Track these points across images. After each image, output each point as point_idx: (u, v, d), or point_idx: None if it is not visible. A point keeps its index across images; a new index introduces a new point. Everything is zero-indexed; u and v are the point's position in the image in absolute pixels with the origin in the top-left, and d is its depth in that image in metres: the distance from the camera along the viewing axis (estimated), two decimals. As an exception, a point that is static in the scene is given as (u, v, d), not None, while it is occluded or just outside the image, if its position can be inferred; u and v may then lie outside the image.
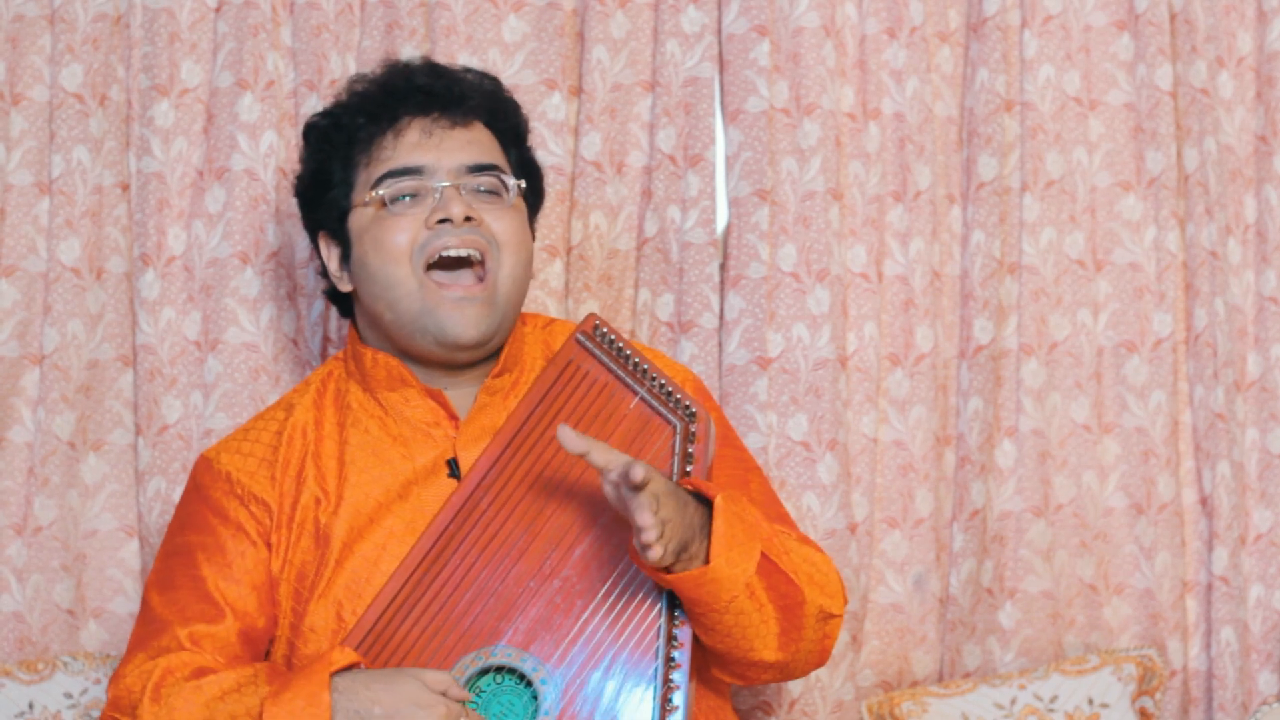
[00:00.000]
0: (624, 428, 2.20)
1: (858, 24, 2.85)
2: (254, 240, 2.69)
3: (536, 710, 2.06)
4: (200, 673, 2.09)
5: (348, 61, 2.75)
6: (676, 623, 2.09)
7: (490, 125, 2.28)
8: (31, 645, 2.65)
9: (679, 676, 2.06)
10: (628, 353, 2.22)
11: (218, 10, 2.73)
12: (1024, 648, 2.83)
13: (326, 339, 2.74)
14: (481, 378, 2.26)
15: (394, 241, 2.19)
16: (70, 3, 2.69)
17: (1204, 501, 2.91)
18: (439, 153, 2.22)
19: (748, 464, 2.33)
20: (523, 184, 2.28)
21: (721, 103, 2.83)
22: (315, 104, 2.72)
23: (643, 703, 2.06)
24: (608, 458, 1.98)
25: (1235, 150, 2.94)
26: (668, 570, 2.02)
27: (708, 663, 2.16)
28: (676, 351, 2.76)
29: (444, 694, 2.01)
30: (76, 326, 2.68)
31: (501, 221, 2.22)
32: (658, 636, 2.09)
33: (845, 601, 2.18)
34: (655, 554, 1.94)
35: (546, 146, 2.75)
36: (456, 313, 2.19)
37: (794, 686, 2.74)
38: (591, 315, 2.25)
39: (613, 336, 2.23)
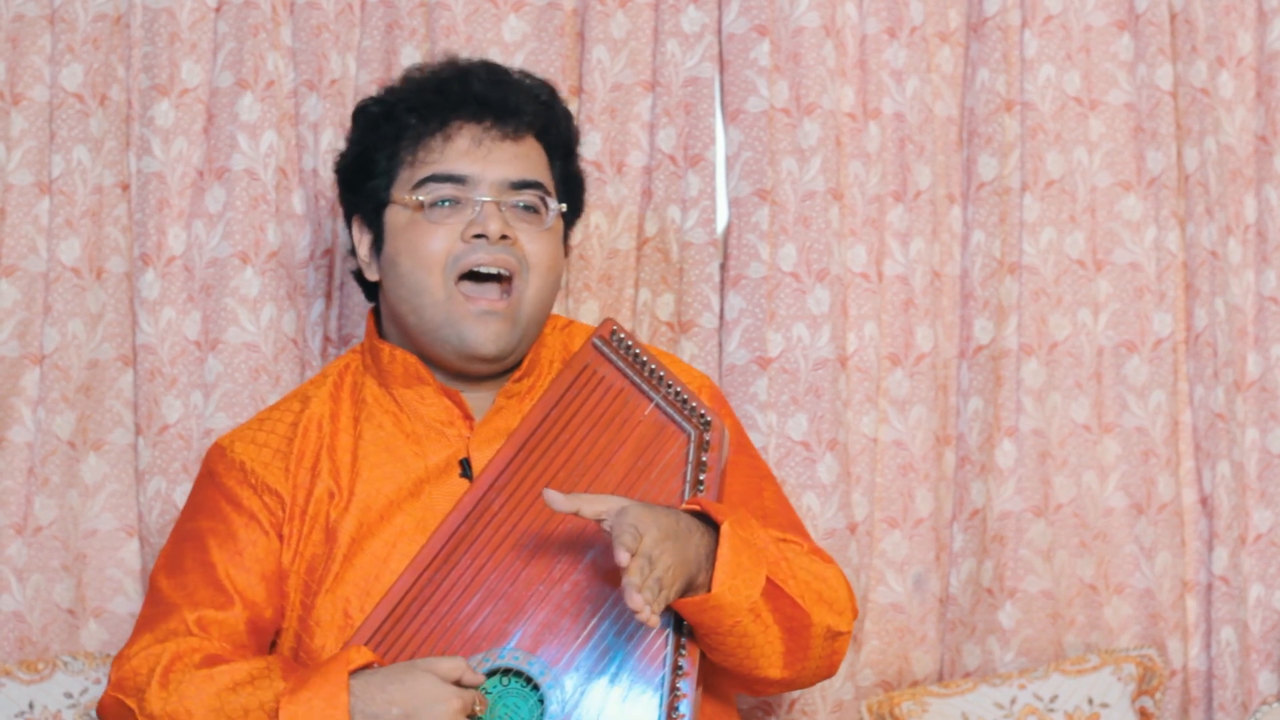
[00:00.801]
0: (638, 434, 2.20)
1: (858, 24, 2.85)
2: (254, 240, 2.69)
3: (543, 714, 2.05)
4: (211, 661, 2.08)
5: (348, 61, 2.75)
6: (685, 631, 2.09)
7: (541, 138, 2.28)
8: (31, 645, 2.65)
9: (686, 685, 2.06)
10: (644, 359, 2.23)
11: (218, 10, 2.73)
12: (1024, 647, 2.83)
13: (326, 339, 2.74)
14: (500, 382, 2.27)
15: (428, 249, 2.20)
16: (70, 3, 2.69)
17: (1204, 501, 2.91)
18: (485, 164, 2.22)
19: (762, 472, 2.33)
20: (563, 207, 2.28)
21: (722, 102, 2.83)
22: (315, 104, 2.72)
23: (649, 710, 2.05)
24: (597, 508, 2.00)
25: (1235, 150, 2.94)
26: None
27: (715, 672, 2.16)
28: (676, 351, 2.76)
29: (458, 681, 2.01)
30: (77, 326, 2.68)
31: (536, 243, 2.23)
32: (666, 644, 2.08)
33: (855, 615, 2.19)
34: (642, 618, 1.92)
35: (547, 146, 2.75)
36: (480, 326, 2.20)
37: (794, 686, 2.75)
38: (609, 320, 2.26)
39: (629, 342, 2.24)
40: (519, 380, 2.26)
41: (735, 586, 2.03)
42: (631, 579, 1.92)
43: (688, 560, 2.01)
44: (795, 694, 2.74)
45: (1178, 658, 2.88)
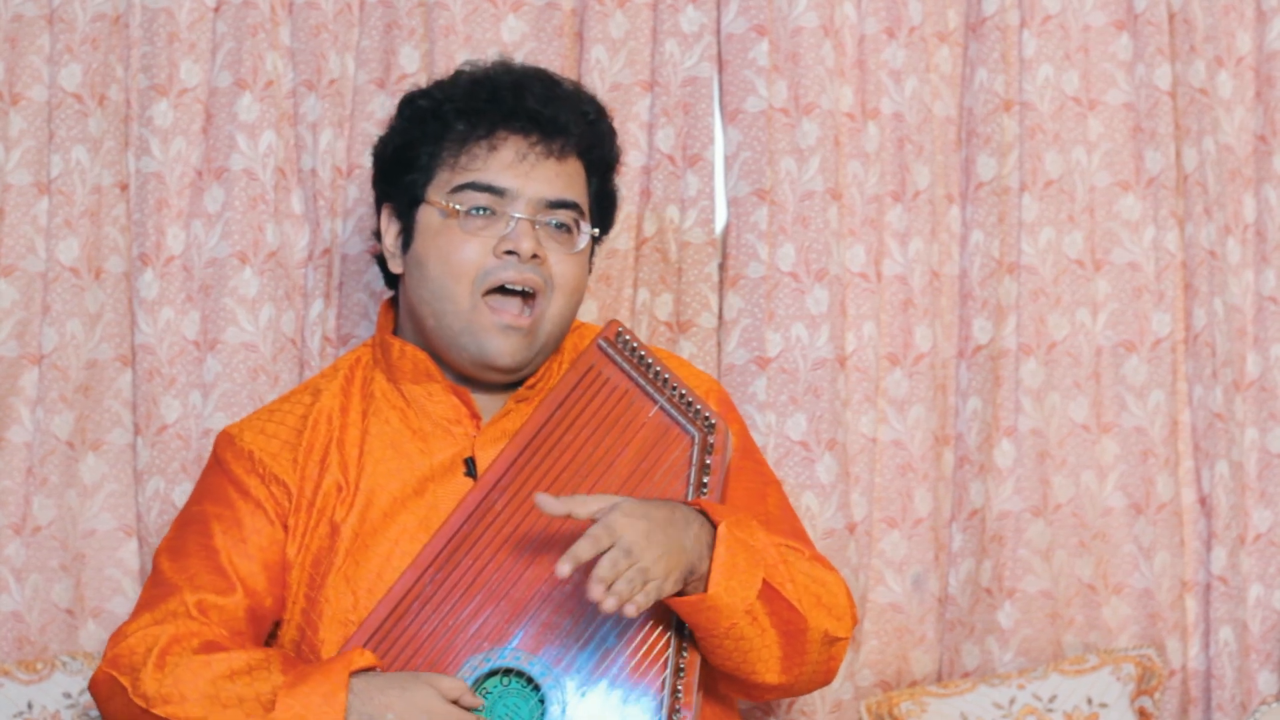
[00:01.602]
0: (642, 436, 2.20)
1: (857, 24, 2.85)
2: (253, 240, 2.69)
3: (543, 714, 2.06)
4: (210, 647, 2.08)
5: (346, 61, 2.75)
6: (687, 634, 2.09)
7: (583, 157, 2.28)
8: (30, 645, 2.65)
9: (687, 687, 2.06)
10: (649, 361, 2.23)
11: (216, 10, 2.73)
12: (1023, 647, 2.83)
13: (325, 339, 2.74)
14: (510, 386, 2.27)
15: (459, 259, 2.20)
16: (69, 3, 2.69)
17: (1203, 501, 2.91)
18: (526, 180, 2.22)
19: (766, 477, 2.33)
20: (595, 232, 2.28)
21: (720, 102, 2.83)
22: (314, 104, 2.72)
23: (650, 711, 2.06)
24: (590, 509, 2.01)
25: (1234, 150, 2.94)
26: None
27: (715, 674, 2.16)
28: (675, 351, 2.76)
29: (456, 701, 2.01)
30: (75, 326, 2.68)
31: (564, 264, 2.23)
32: (668, 646, 2.09)
33: (854, 621, 2.19)
34: (606, 608, 1.96)
35: (546, 146, 2.75)
36: (500, 338, 2.20)
37: (793, 686, 2.75)
38: (614, 322, 2.26)
39: (635, 344, 2.24)
40: (532, 386, 2.26)
41: (731, 588, 2.03)
42: (600, 571, 1.95)
43: (685, 548, 2.01)
44: (794, 694, 2.75)
45: (1177, 658, 2.88)
